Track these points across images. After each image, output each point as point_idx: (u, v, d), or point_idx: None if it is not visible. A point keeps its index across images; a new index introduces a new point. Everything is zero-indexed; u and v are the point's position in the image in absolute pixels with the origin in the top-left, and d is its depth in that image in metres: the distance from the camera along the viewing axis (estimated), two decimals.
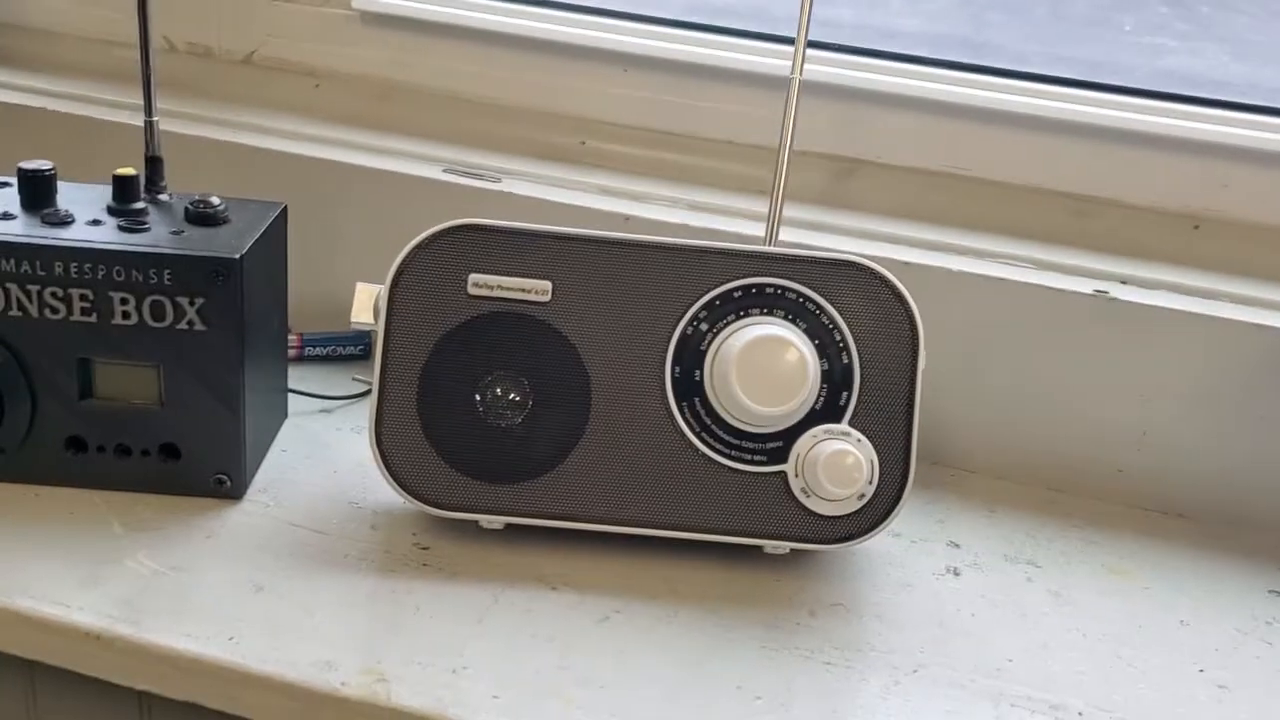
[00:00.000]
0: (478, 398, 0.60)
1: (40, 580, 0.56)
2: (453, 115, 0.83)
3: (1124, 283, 0.72)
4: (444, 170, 0.79)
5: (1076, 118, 0.75)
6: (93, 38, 0.88)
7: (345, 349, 0.79)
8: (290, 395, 0.72)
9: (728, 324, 0.61)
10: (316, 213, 0.78)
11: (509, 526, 0.61)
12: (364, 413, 0.68)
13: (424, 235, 0.60)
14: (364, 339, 0.79)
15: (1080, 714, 0.55)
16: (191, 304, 0.59)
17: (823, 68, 0.76)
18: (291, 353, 0.76)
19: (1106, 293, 0.71)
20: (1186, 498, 0.72)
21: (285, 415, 0.71)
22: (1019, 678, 0.57)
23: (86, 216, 0.62)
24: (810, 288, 0.61)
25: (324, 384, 0.75)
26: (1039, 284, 0.71)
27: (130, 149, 0.68)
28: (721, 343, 0.60)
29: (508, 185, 0.77)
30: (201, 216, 0.62)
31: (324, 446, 0.69)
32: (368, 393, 0.62)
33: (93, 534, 0.59)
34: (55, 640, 0.54)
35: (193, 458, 0.62)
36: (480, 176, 0.78)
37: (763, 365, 0.59)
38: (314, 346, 0.78)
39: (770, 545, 0.61)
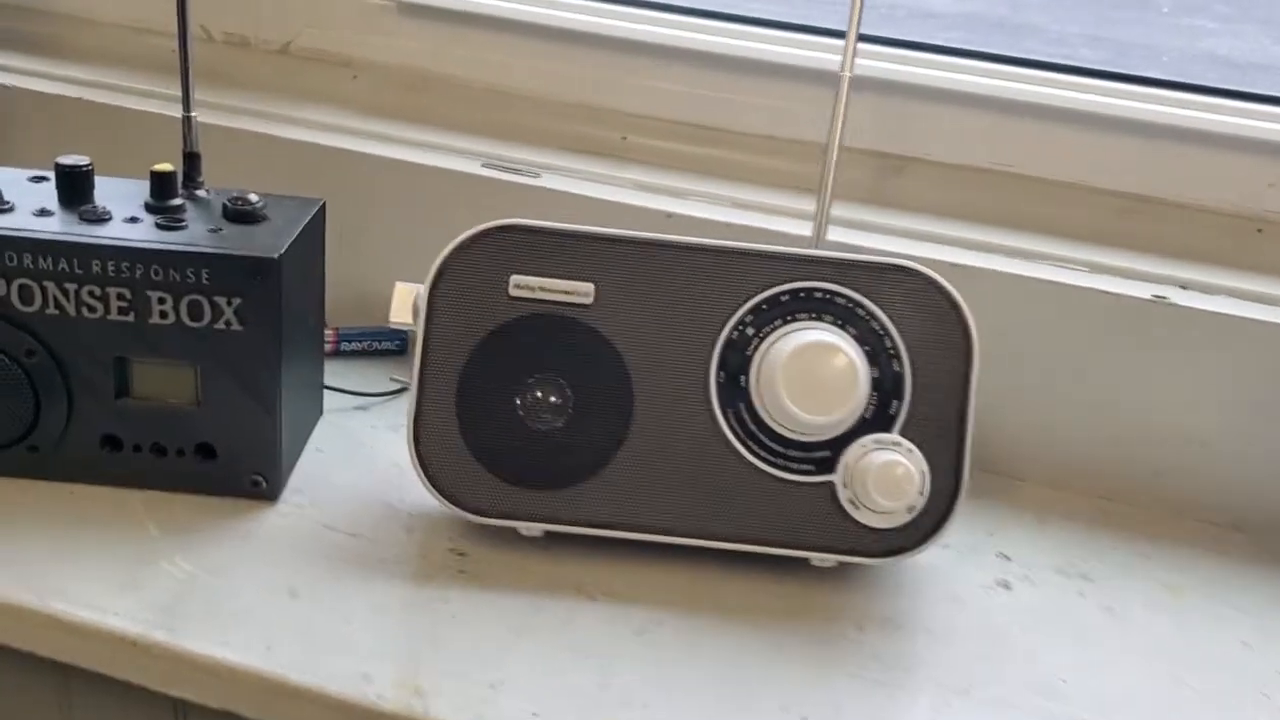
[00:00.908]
0: (518, 402, 0.59)
1: (76, 583, 0.55)
2: (491, 108, 0.81)
3: (1184, 288, 0.70)
4: (482, 165, 0.77)
5: (1133, 114, 0.73)
6: (128, 25, 0.87)
7: (382, 344, 0.78)
8: (326, 392, 0.71)
9: (774, 329, 0.59)
10: (353, 206, 0.77)
11: (548, 534, 0.60)
12: (401, 410, 0.67)
13: (464, 236, 0.59)
14: (401, 334, 0.78)
15: None
16: (229, 303, 0.58)
17: (870, 62, 0.74)
18: (327, 348, 0.75)
19: (1166, 298, 0.68)
20: (1247, 510, 0.69)
21: (321, 412, 0.71)
22: (1073, 699, 0.55)
23: (124, 213, 0.61)
24: (860, 293, 0.59)
25: (360, 380, 0.74)
26: (1095, 288, 0.69)
27: (167, 139, 0.67)
28: (768, 348, 0.59)
29: (547, 181, 0.76)
30: (240, 214, 0.61)
31: (360, 446, 0.68)
32: (404, 389, 0.60)
33: (128, 535, 0.59)
34: (90, 645, 0.53)
35: (229, 458, 0.61)
36: (519, 171, 0.77)
37: (811, 372, 0.57)
38: (350, 341, 0.77)
39: (817, 558, 0.59)
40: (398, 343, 0.78)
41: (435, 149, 0.79)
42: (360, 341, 0.78)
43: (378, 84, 0.84)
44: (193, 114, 0.64)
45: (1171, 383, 0.69)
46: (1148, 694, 0.56)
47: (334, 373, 0.73)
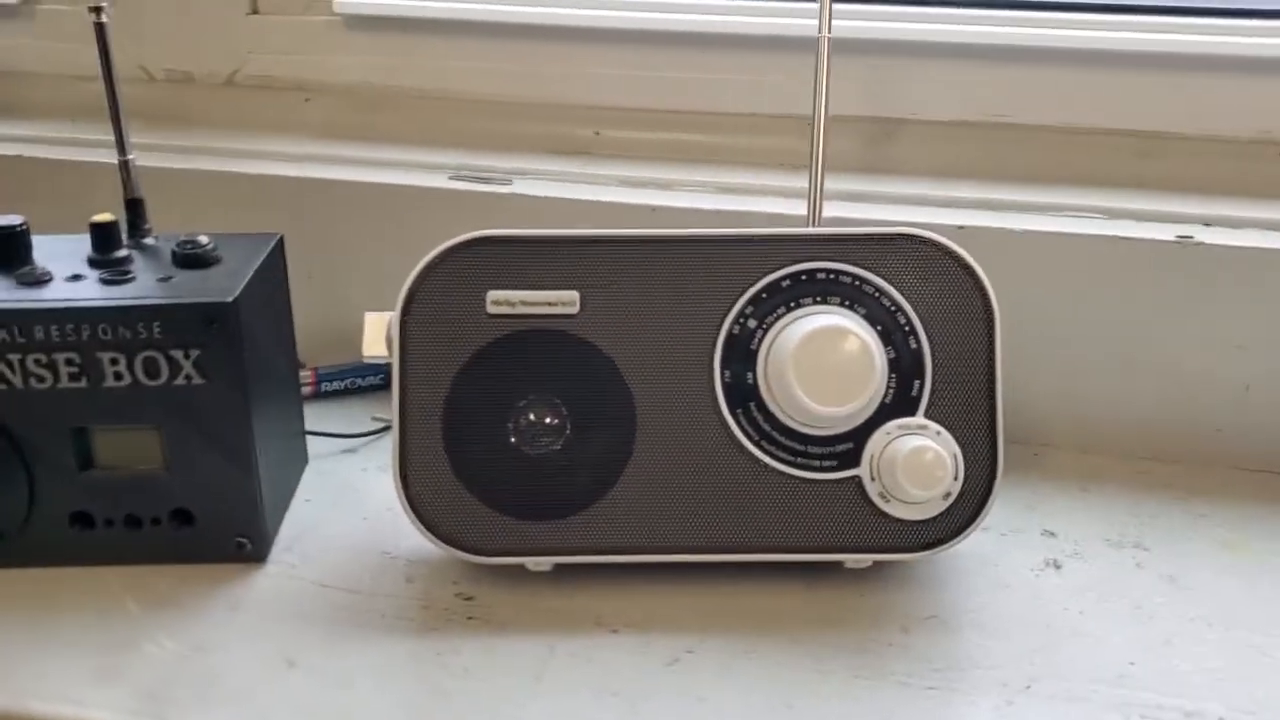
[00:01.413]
0: (510, 427, 0.54)
1: (52, 677, 0.51)
2: (453, 117, 0.77)
3: (1207, 224, 0.65)
4: (450, 177, 0.73)
5: (1130, 46, 0.68)
6: (67, 74, 0.82)
7: (365, 380, 0.74)
8: (309, 437, 0.67)
9: (778, 317, 0.54)
10: (320, 236, 0.73)
11: (558, 567, 0.55)
12: (391, 448, 0.63)
13: (432, 254, 0.55)
14: (384, 367, 0.73)
15: (1222, 719, 0.49)
16: (187, 356, 0.54)
17: (848, 23, 0.70)
18: (307, 390, 0.71)
19: (1191, 238, 0.64)
20: None
21: (306, 460, 0.66)
22: (1145, 683, 0.51)
23: (66, 272, 0.56)
24: (865, 268, 0.54)
25: (346, 421, 0.69)
26: (1113, 235, 0.65)
27: (112, 190, 0.62)
28: (774, 339, 0.54)
29: (520, 187, 0.71)
30: (190, 258, 0.57)
31: (350, 491, 0.64)
32: (389, 427, 0.56)
33: (107, 617, 0.54)
34: None
35: (208, 522, 0.57)
36: (489, 180, 0.72)
37: (822, 360, 0.53)
38: (330, 381, 0.73)
39: (851, 559, 0.55)
40: (382, 375, 0.74)
41: (399, 166, 0.75)
42: (341, 380, 0.73)
43: (332, 105, 0.79)
44: (130, 157, 0.59)
45: (1206, 327, 0.65)
46: (1227, 668, 0.51)
47: (316, 416, 0.68)
